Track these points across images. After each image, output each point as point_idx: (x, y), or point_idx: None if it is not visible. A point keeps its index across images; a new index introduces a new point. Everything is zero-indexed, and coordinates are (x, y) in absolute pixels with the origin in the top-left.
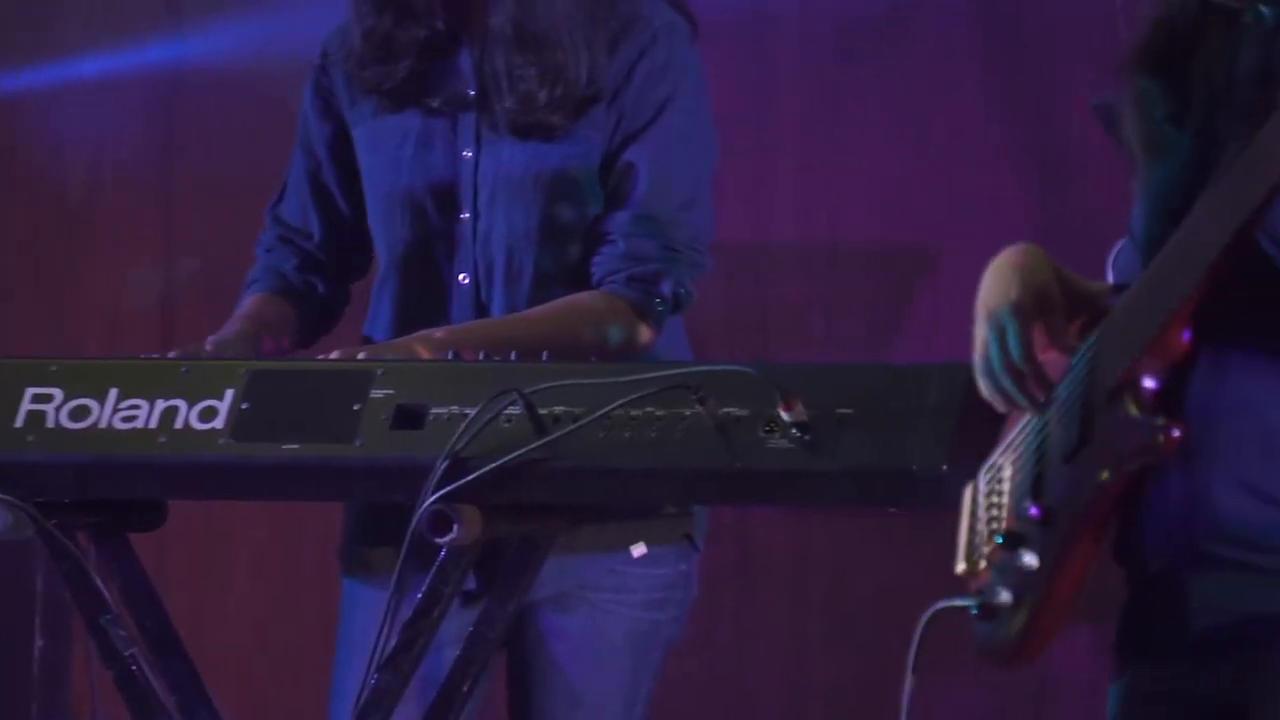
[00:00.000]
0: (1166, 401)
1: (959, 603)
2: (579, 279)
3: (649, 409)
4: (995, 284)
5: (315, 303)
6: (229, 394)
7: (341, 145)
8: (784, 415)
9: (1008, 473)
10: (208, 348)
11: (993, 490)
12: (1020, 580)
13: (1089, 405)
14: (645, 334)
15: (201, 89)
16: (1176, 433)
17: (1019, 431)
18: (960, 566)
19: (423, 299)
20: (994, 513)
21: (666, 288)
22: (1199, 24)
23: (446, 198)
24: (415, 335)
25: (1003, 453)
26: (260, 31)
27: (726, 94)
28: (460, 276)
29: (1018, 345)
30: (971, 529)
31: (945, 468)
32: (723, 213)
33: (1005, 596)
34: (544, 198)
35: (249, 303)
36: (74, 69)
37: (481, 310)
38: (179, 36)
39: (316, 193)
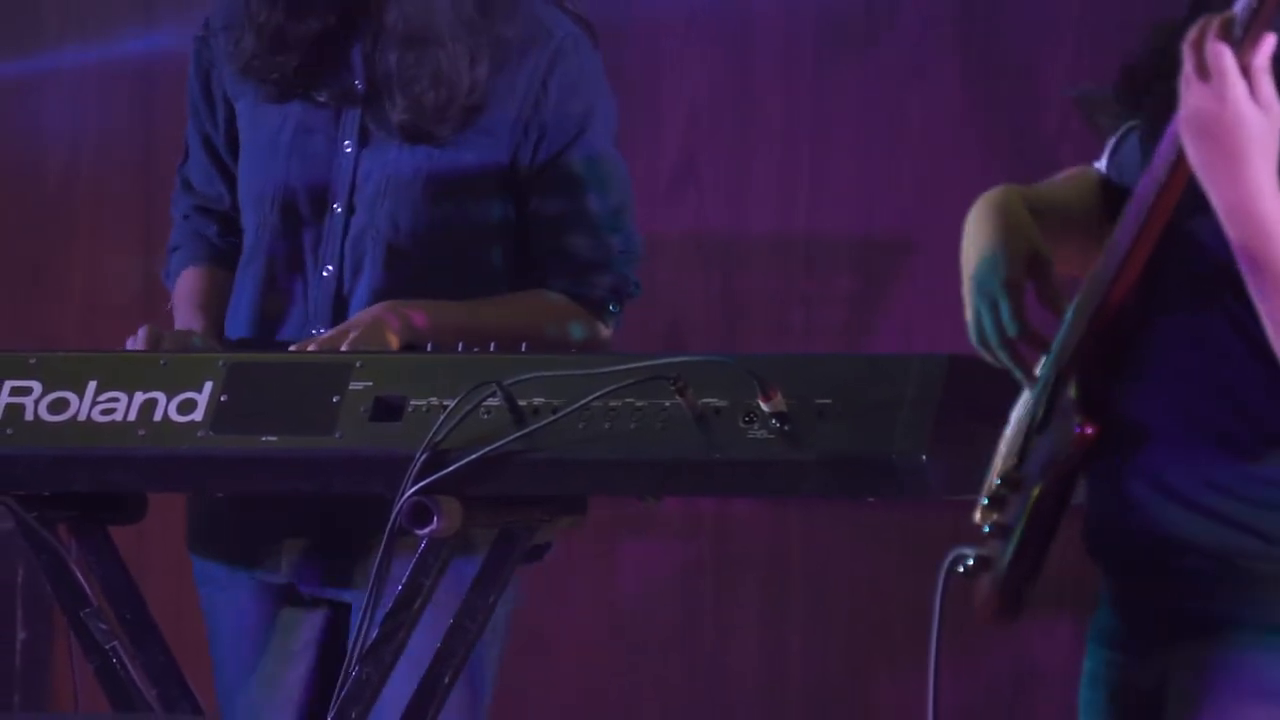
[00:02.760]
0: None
1: (972, 551)
2: (485, 280)
3: (628, 400)
4: (980, 248)
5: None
6: (208, 386)
7: (231, 117)
8: (763, 406)
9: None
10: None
11: (1018, 433)
12: (1001, 539)
13: (1056, 377)
14: (605, 331)
15: (179, 79)
16: (1089, 430)
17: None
18: (977, 515)
19: (282, 285)
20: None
21: (620, 288)
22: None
23: (320, 188)
24: (390, 304)
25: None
26: None
27: (706, 86)
28: (325, 269)
29: (1011, 319)
30: (992, 474)
31: (924, 458)
32: (702, 204)
33: (991, 550)
34: (434, 200)
35: (189, 279)
36: (52, 60)
37: (340, 304)
38: (156, 27)
39: (216, 161)
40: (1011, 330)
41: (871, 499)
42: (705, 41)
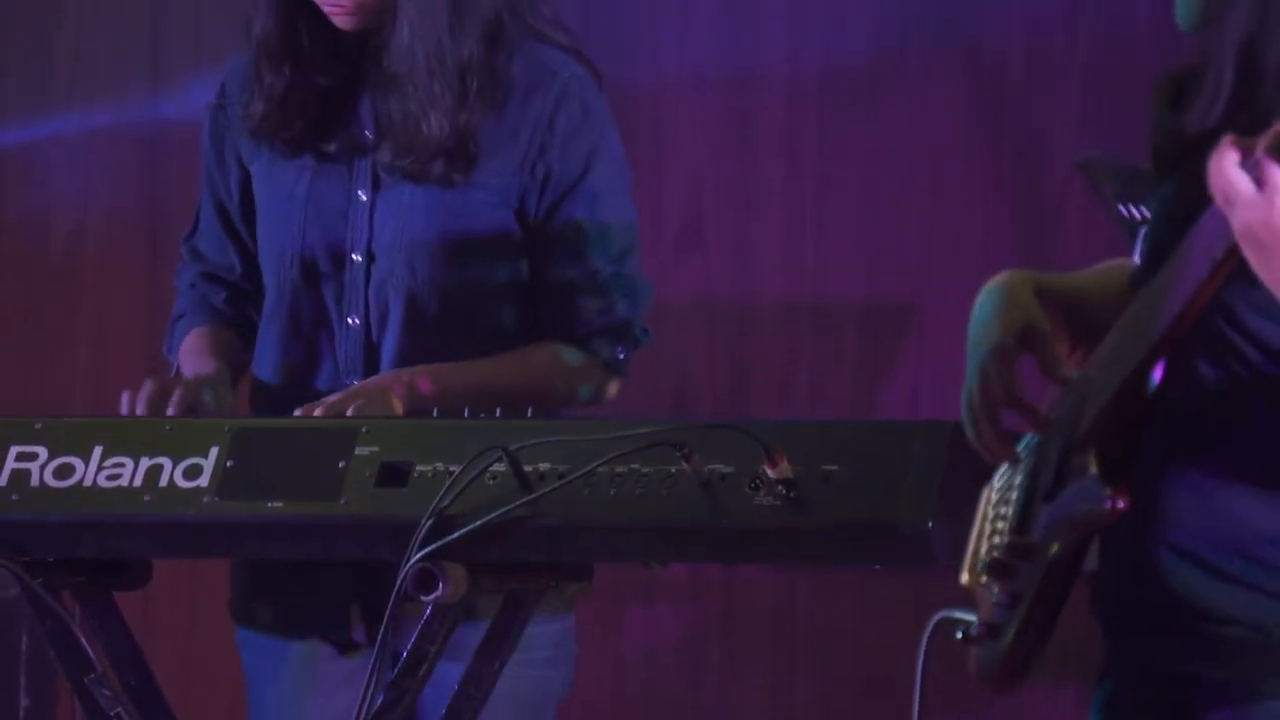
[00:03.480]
0: (1127, 456)
1: (959, 615)
2: (497, 323)
3: (634, 466)
4: (979, 323)
5: (252, 331)
6: (213, 451)
7: (246, 183)
8: (769, 472)
9: (1017, 485)
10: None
11: (1002, 500)
12: (1007, 605)
13: (1068, 447)
14: (614, 388)
15: (184, 145)
16: (1121, 504)
17: (1026, 445)
18: (964, 577)
19: (309, 339)
20: (999, 525)
21: (627, 332)
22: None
23: (338, 240)
24: (395, 373)
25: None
26: None
27: (712, 147)
28: (349, 319)
29: (998, 384)
30: (979, 538)
31: (930, 525)
32: (708, 266)
33: (997, 617)
34: (449, 244)
35: (196, 337)
36: (60, 125)
37: (371, 353)
38: (161, 94)
39: (229, 230)
40: (998, 394)
41: (878, 565)
42: (708, 103)
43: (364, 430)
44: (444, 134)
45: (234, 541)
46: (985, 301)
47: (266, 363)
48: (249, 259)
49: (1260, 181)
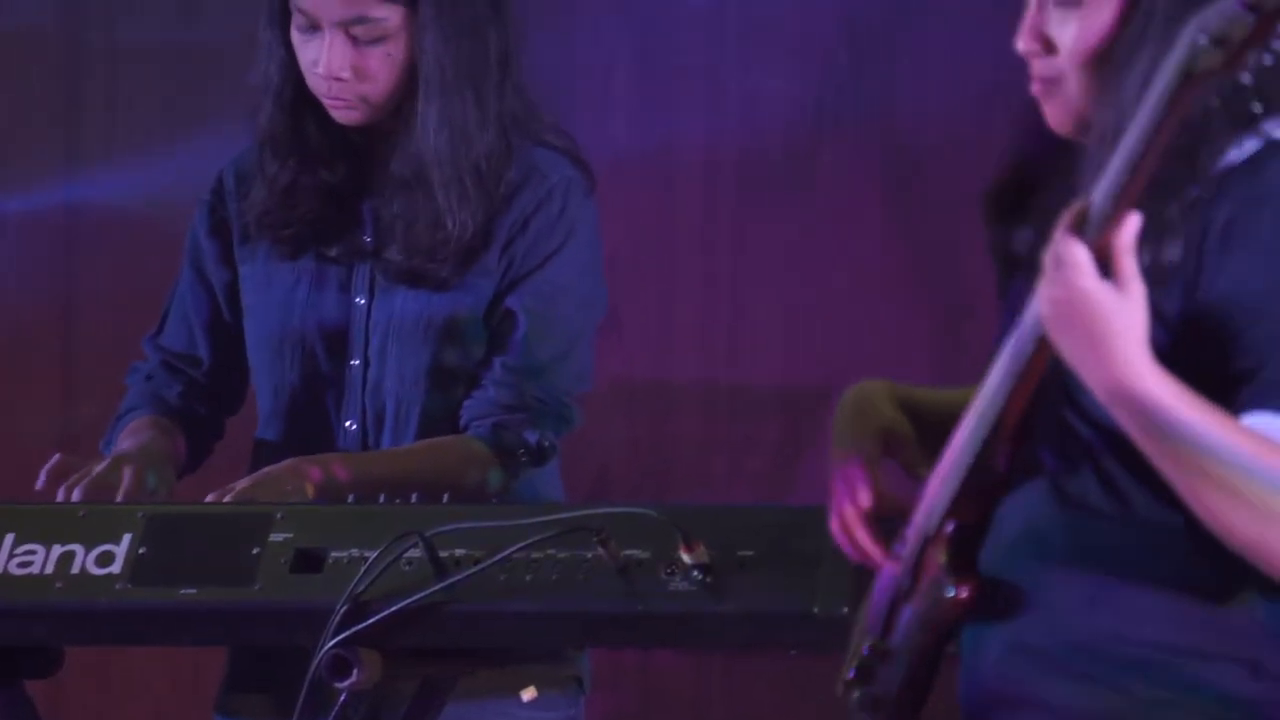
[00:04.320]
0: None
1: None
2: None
3: (550, 551)
4: (839, 433)
5: (199, 430)
6: (126, 539)
7: (234, 279)
8: (686, 557)
9: (882, 589)
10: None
11: (873, 604)
12: (871, 711)
13: (922, 547)
14: (498, 480)
15: (100, 230)
16: (965, 594)
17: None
18: (848, 675)
19: (308, 444)
20: (864, 629)
21: (531, 437)
22: (1055, 166)
23: (338, 344)
24: (310, 458)
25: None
26: (157, 174)
27: (631, 231)
28: (348, 423)
29: (863, 491)
30: (860, 635)
31: (846, 610)
32: (625, 351)
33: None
34: (434, 344)
35: (138, 424)
36: None
37: None
38: (77, 178)
39: (210, 320)
40: (865, 501)
41: (795, 651)
42: (626, 187)
43: (279, 516)
44: (458, 235)
45: (147, 629)
46: (845, 409)
47: (271, 454)
48: (221, 356)
49: (1059, 260)
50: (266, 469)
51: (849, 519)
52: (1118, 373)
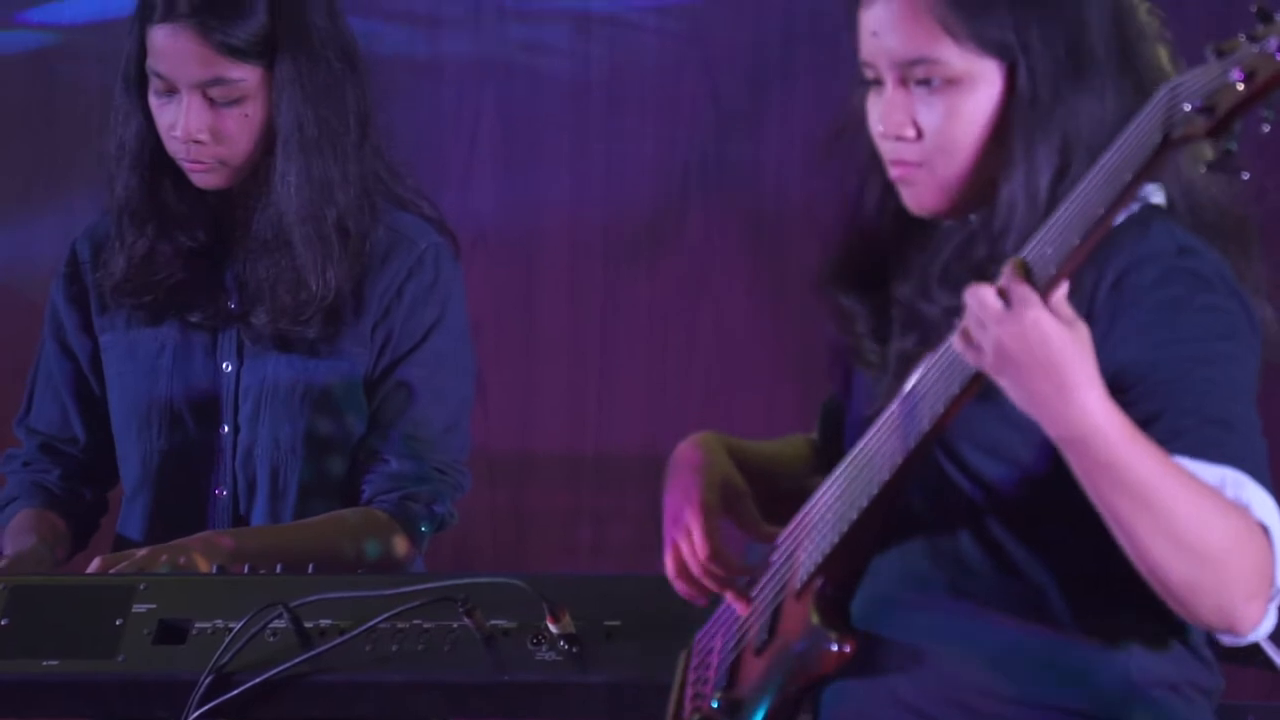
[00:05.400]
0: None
1: None
2: (341, 493)
3: (416, 621)
4: (676, 485)
5: (82, 512)
6: None
7: (94, 353)
8: (552, 627)
9: (716, 649)
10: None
11: (702, 663)
12: None
13: (781, 602)
14: (406, 551)
15: None
16: (848, 649)
17: (723, 611)
18: None
19: (178, 512)
20: (699, 689)
21: (439, 509)
22: (896, 236)
23: (206, 410)
24: (200, 536)
25: (712, 627)
26: (17, 238)
27: (494, 300)
28: (218, 490)
29: (703, 542)
30: (679, 703)
31: None
32: (489, 420)
33: None
34: (309, 411)
35: (23, 517)
36: None
37: (240, 524)
38: None
39: (79, 395)
40: (703, 553)
41: None
42: (491, 257)
43: (142, 587)
44: (321, 295)
45: (9, 701)
46: (680, 463)
47: (134, 535)
48: (96, 431)
49: (1009, 300)
50: (177, 540)
51: (690, 563)
52: (1076, 406)
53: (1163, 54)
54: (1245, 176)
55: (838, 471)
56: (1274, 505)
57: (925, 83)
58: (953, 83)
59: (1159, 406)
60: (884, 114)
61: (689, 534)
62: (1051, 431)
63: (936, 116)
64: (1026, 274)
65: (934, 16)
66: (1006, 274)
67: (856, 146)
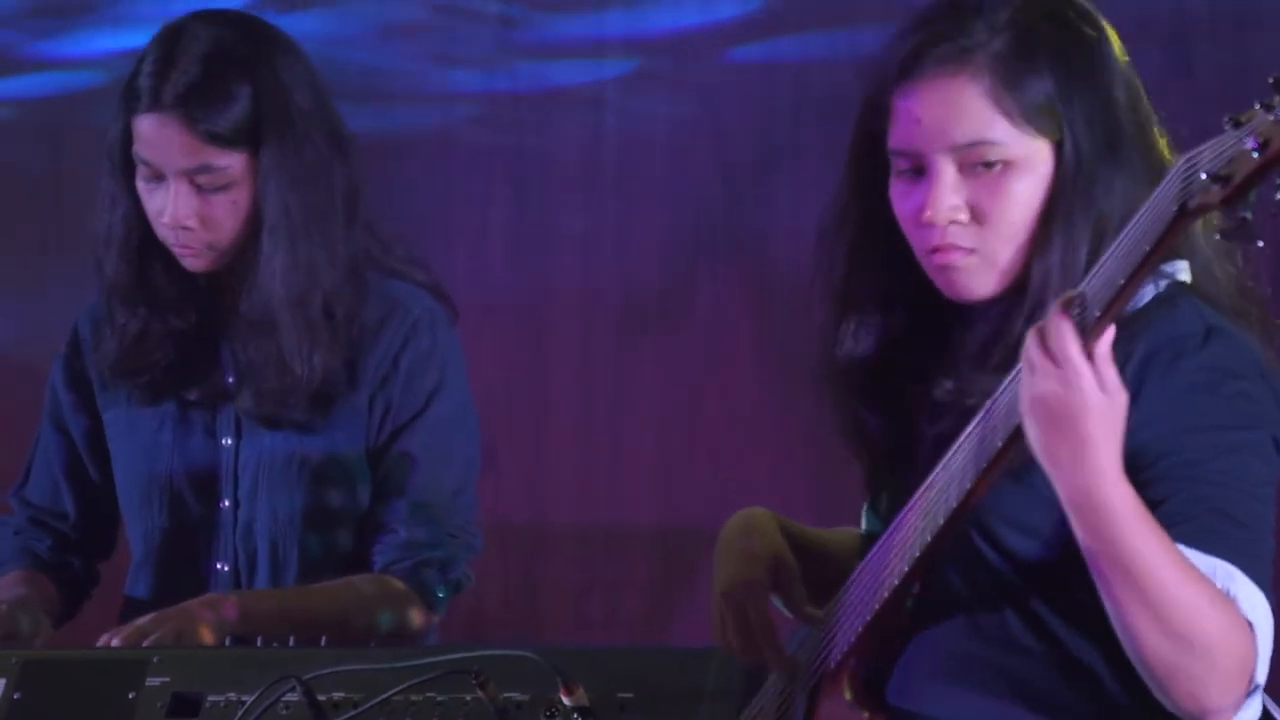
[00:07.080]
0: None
1: None
2: (347, 565)
3: (429, 694)
4: (728, 560)
5: (72, 581)
6: (0, 685)
7: (96, 428)
8: (565, 700)
9: None
10: None
11: None
12: None
13: (818, 680)
14: (423, 620)
15: None
16: None
17: (766, 690)
18: None
19: (180, 587)
20: None
21: (452, 574)
22: (922, 342)
23: (206, 486)
24: (202, 599)
25: (756, 709)
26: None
27: (506, 370)
28: (219, 565)
29: (757, 618)
30: None
31: None
32: (501, 491)
33: None
34: (307, 484)
35: (12, 577)
36: None
37: None
38: None
39: (71, 473)
40: (758, 628)
41: None
42: (502, 329)
43: (155, 660)
44: (307, 379)
45: None
46: (732, 538)
47: (142, 595)
48: (87, 509)
49: (1061, 356)
50: (160, 612)
51: (749, 641)
52: (1091, 476)
53: (1163, 141)
54: (1260, 244)
55: (871, 553)
56: (1264, 603)
57: (986, 165)
58: (1011, 165)
59: (1171, 491)
60: (934, 200)
61: (741, 612)
62: (1061, 491)
63: (996, 200)
64: (1071, 308)
65: (990, 99)
66: (1057, 309)
67: (861, 237)
